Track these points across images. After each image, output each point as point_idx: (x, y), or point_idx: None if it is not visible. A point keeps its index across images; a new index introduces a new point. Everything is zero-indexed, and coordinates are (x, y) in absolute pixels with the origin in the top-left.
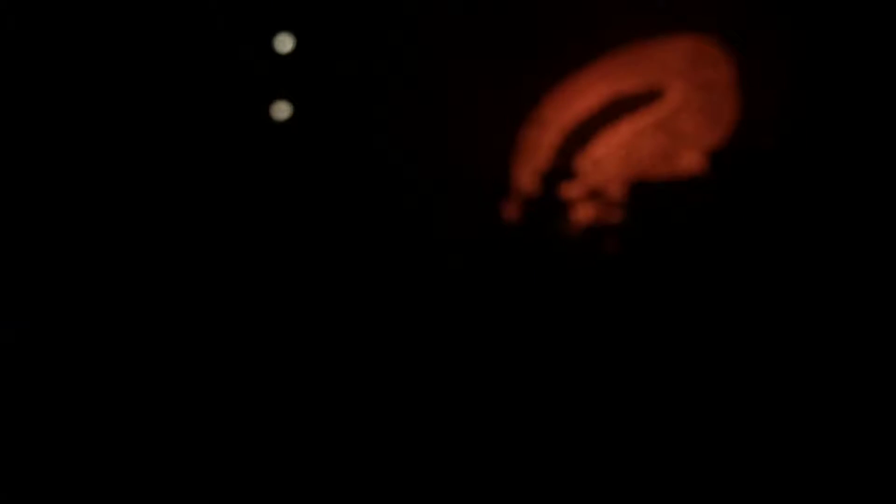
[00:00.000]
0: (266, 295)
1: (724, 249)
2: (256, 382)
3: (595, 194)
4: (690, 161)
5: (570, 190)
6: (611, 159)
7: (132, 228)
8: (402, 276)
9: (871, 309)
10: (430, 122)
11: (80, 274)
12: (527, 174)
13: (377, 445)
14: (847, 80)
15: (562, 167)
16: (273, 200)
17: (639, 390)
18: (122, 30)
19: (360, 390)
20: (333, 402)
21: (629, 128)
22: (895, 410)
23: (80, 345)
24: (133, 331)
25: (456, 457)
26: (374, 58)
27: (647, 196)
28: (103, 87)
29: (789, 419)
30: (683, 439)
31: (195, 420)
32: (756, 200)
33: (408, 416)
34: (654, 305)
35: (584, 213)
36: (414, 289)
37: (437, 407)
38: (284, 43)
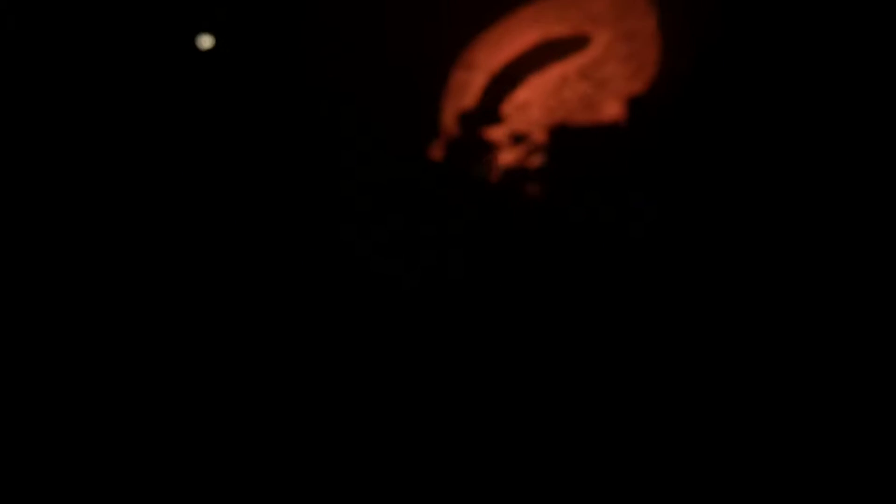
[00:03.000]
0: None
1: (640, 195)
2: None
3: (519, 138)
4: (612, 109)
5: (495, 133)
6: (535, 104)
7: None
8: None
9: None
10: (362, 57)
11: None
12: (453, 115)
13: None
14: (767, 28)
15: (488, 110)
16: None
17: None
18: None
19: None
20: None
21: (555, 74)
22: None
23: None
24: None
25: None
26: None
27: (569, 142)
28: None
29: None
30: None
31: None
32: (674, 149)
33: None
34: (572, 249)
35: (507, 157)
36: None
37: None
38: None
